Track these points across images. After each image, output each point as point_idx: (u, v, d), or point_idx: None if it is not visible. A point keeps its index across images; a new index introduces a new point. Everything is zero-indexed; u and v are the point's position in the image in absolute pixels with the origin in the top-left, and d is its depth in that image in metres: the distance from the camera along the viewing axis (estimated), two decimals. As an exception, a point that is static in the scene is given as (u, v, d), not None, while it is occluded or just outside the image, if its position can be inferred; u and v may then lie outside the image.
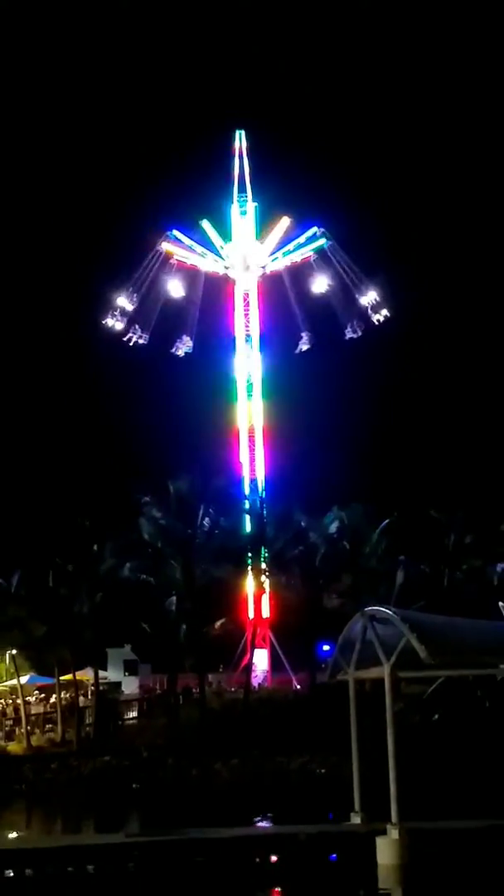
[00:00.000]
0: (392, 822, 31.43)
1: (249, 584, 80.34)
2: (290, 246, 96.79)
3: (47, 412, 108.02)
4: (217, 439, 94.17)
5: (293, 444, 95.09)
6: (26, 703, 76.63)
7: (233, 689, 79.34)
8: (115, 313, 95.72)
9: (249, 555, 77.52)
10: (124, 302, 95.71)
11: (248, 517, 80.00)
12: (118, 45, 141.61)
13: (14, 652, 78.82)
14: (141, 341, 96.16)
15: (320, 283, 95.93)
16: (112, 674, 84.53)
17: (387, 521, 77.05)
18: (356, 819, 34.99)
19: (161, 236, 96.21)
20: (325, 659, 66.15)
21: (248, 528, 79.37)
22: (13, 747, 73.81)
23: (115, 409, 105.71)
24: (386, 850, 31.11)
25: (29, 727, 75.09)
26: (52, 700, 78.70)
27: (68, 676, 77.41)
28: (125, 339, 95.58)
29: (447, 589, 74.75)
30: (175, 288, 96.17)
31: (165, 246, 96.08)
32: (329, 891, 30.47)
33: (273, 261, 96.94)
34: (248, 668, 77.79)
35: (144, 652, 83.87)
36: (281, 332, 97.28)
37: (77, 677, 77.51)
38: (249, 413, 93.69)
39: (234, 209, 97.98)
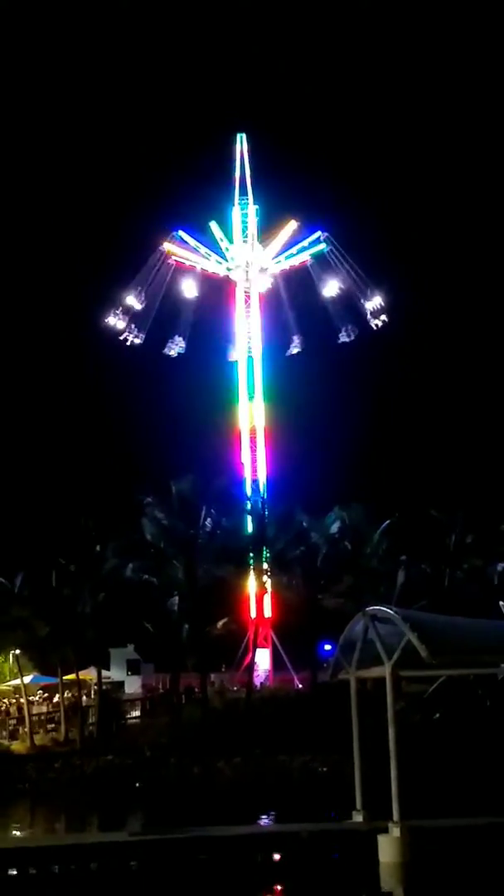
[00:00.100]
0: (394, 821, 31.62)
1: (251, 584, 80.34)
2: (294, 249, 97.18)
3: (50, 413, 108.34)
4: (219, 440, 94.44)
5: (294, 445, 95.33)
6: (30, 703, 76.84)
7: (235, 689, 79.54)
8: (118, 312, 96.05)
9: (251, 555, 77.61)
10: (126, 301, 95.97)
11: (249, 517, 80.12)
12: (125, 50, 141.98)
13: (17, 652, 79.15)
14: (137, 341, 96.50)
15: (318, 287, 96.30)
16: (115, 673, 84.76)
17: (388, 521, 77.08)
18: (358, 817, 35.09)
19: (166, 237, 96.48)
20: (327, 658, 66.50)
21: (249, 528, 79.51)
22: (17, 746, 73.97)
23: (118, 410, 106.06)
24: (387, 848, 31.28)
25: (32, 726, 75.36)
26: (56, 699, 79.03)
27: (71, 676, 77.56)
28: (121, 338, 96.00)
29: (448, 589, 74.72)
30: (174, 288, 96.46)
31: (167, 246, 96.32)
32: (331, 889, 30.55)
33: (276, 263, 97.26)
34: (250, 667, 77.91)
35: (147, 651, 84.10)
36: (283, 334, 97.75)
37: (80, 677, 77.57)
38: (251, 414, 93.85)
39: (236, 212, 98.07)
